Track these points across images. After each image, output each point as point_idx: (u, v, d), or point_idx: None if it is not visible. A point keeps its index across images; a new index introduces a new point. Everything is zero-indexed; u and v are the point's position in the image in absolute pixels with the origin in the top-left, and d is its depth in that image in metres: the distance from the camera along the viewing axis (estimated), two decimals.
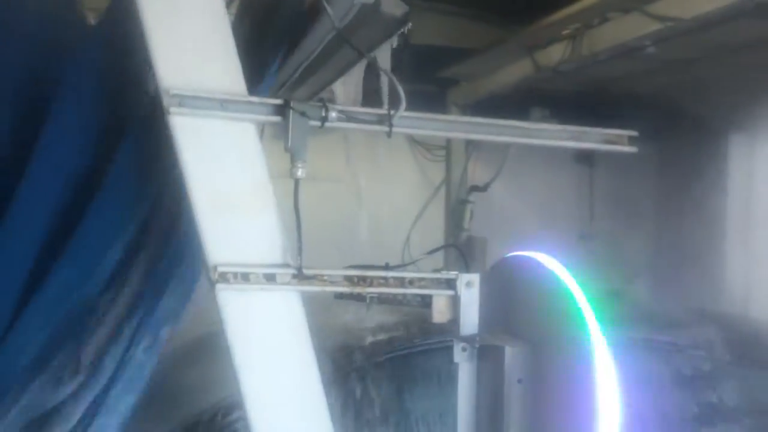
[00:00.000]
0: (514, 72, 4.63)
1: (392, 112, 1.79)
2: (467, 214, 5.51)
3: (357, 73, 3.13)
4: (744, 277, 5.83)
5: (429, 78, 5.50)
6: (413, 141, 6.13)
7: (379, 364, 2.56)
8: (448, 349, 1.93)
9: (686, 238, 6.37)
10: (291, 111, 1.70)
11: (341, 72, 3.06)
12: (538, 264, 1.87)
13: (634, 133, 1.99)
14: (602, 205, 6.73)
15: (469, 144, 5.81)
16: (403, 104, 1.79)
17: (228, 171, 1.76)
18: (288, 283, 1.77)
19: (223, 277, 1.72)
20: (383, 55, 2.74)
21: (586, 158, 6.71)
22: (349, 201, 5.60)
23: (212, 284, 1.72)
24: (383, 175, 5.95)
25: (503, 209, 5.87)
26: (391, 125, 1.78)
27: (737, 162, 5.93)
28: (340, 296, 2.02)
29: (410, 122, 1.82)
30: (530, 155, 6.09)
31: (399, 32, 2.43)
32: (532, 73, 4.38)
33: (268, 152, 1.84)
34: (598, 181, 6.73)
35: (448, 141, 5.76)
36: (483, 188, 5.60)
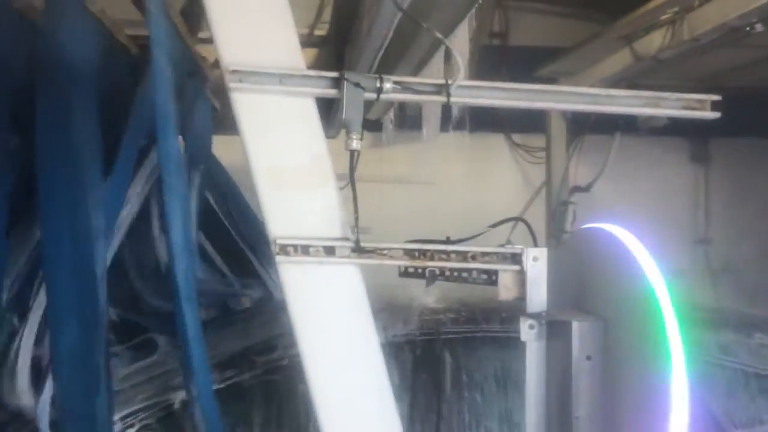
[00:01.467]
0: (613, 64, 4.45)
1: (450, 81, 1.75)
2: (569, 216, 5.34)
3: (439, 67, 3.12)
4: None
5: (528, 78, 5.41)
6: (513, 143, 6.03)
7: (445, 341, 2.50)
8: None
9: None
10: (345, 82, 1.71)
11: (423, 62, 3.05)
12: (612, 237, 1.77)
13: (716, 97, 1.85)
14: (720, 208, 6.32)
15: (571, 143, 5.64)
16: (462, 73, 1.75)
17: (288, 145, 1.79)
18: (347, 257, 1.76)
19: (284, 250, 1.74)
20: (460, 40, 2.70)
21: (701, 157, 6.35)
22: (445, 204, 5.57)
23: (273, 257, 1.75)
24: (482, 177, 5.89)
25: (608, 210, 5.62)
26: (449, 95, 1.74)
27: None
28: (404, 274, 2.00)
29: (469, 92, 1.77)
30: (638, 153, 5.84)
31: (471, 10, 2.40)
32: (631, 63, 4.20)
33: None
34: (714, 182, 6.33)
35: (549, 141, 5.62)
36: (585, 188, 5.41)
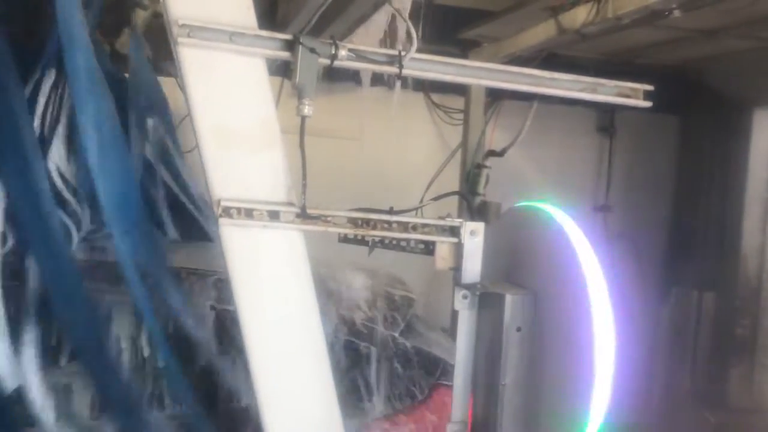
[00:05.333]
0: (537, 34, 4.54)
1: (403, 53, 1.75)
2: (482, 179, 5.46)
3: (379, 25, 3.10)
4: (759, 252, 5.77)
5: (451, 39, 5.44)
6: (432, 104, 6.08)
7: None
8: None
9: (704, 213, 6.29)
10: (300, 47, 1.68)
11: (361, 20, 3.03)
12: (543, 214, 1.85)
13: (649, 87, 1.95)
14: (620, 177, 6.66)
15: (489, 108, 5.75)
16: (415, 45, 1.76)
17: (235, 106, 1.75)
18: (291, 222, 1.76)
19: (227, 212, 1.72)
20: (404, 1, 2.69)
21: (607, 128, 6.63)
22: (365, 161, 5.59)
23: (216, 219, 1.73)
24: (401, 136, 5.92)
25: (519, 175, 5.81)
26: (401, 66, 1.75)
27: (760, 137, 5.82)
28: (343, 239, 2.02)
29: (421, 65, 1.79)
30: (551, 122, 6.03)
31: None
32: (555, 35, 4.29)
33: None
34: (617, 152, 6.64)
35: (467, 104, 5.70)
36: (500, 153, 5.54)
